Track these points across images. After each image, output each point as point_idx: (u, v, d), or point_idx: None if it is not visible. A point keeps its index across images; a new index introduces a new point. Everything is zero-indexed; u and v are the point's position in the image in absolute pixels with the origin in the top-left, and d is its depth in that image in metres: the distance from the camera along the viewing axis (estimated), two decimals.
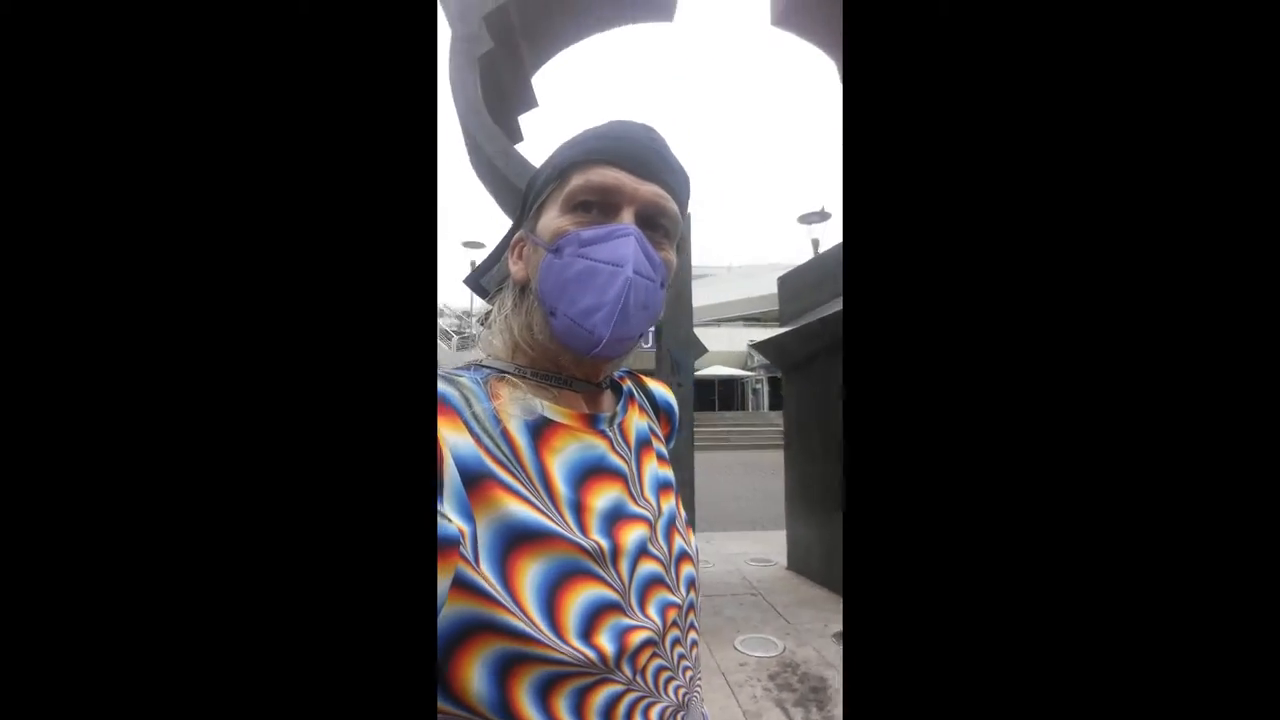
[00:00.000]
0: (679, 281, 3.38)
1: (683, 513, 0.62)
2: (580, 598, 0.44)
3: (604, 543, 0.48)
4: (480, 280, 0.61)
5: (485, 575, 0.41)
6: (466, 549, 0.40)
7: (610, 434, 0.55)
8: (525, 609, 0.41)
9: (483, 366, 0.54)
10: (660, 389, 0.73)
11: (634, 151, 0.53)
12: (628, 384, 0.65)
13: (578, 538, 0.46)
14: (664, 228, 0.54)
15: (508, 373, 0.53)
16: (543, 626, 0.42)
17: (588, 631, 0.44)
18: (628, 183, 0.51)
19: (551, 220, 0.53)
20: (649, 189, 0.52)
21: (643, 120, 0.58)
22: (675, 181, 0.55)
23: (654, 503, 0.56)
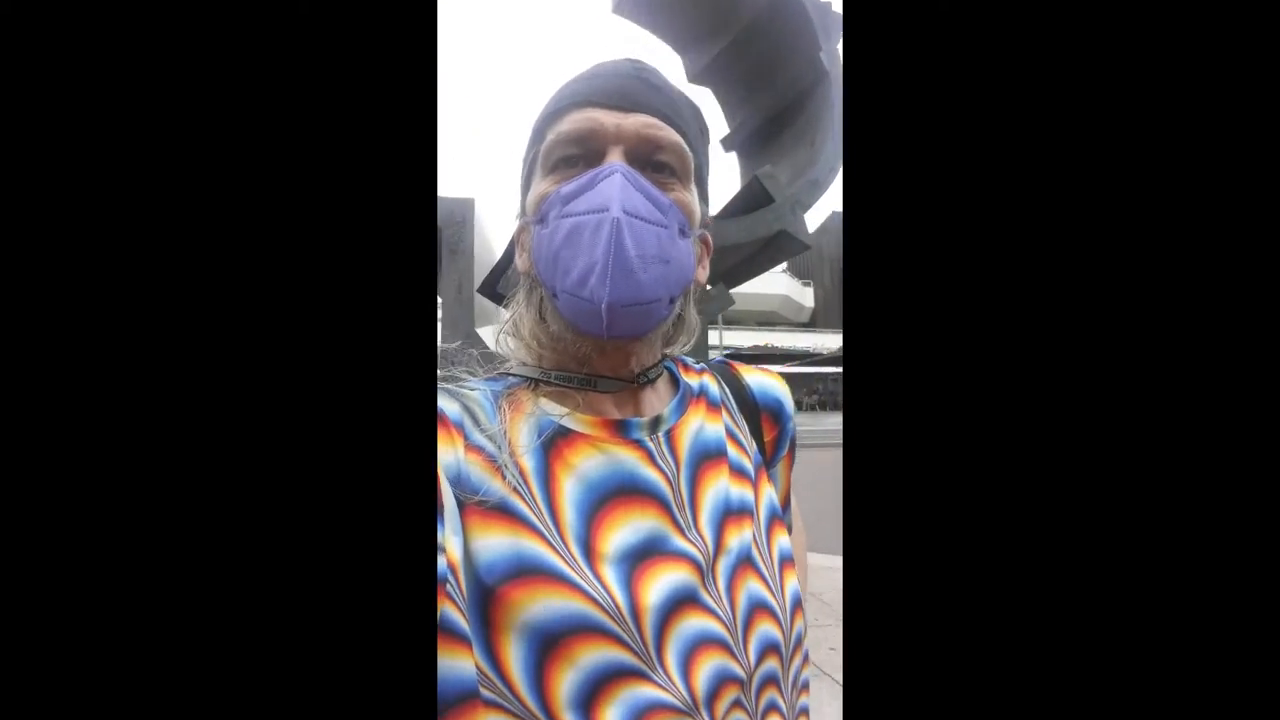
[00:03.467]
0: None
1: (773, 549, 0.47)
2: (580, 660, 0.35)
3: (617, 589, 0.37)
4: (496, 287, 0.54)
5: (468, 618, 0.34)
6: (454, 587, 0.33)
7: (650, 444, 0.44)
8: (507, 676, 0.34)
9: (508, 374, 0.47)
10: (765, 380, 0.55)
11: (611, 84, 0.43)
12: (700, 378, 0.51)
13: (581, 580, 0.37)
14: (668, 165, 0.44)
15: (531, 379, 0.45)
16: (526, 699, 0.34)
17: (587, 705, 0.35)
18: (607, 120, 0.42)
19: (535, 189, 0.44)
20: (636, 120, 0.42)
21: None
22: (672, 108, 0.44)
23: (709, 536, 0.43)
